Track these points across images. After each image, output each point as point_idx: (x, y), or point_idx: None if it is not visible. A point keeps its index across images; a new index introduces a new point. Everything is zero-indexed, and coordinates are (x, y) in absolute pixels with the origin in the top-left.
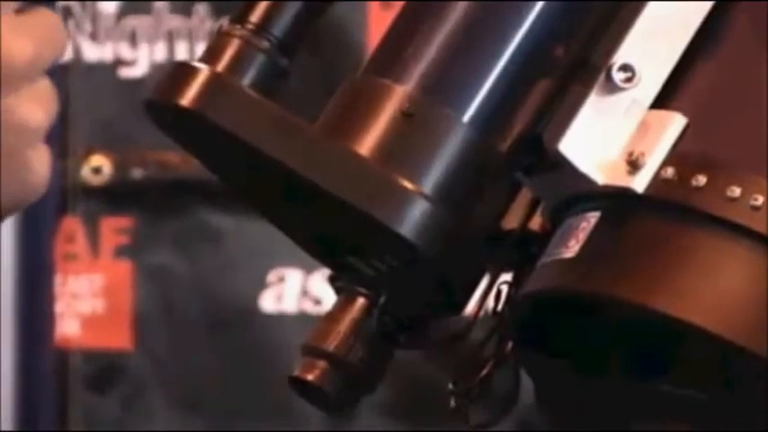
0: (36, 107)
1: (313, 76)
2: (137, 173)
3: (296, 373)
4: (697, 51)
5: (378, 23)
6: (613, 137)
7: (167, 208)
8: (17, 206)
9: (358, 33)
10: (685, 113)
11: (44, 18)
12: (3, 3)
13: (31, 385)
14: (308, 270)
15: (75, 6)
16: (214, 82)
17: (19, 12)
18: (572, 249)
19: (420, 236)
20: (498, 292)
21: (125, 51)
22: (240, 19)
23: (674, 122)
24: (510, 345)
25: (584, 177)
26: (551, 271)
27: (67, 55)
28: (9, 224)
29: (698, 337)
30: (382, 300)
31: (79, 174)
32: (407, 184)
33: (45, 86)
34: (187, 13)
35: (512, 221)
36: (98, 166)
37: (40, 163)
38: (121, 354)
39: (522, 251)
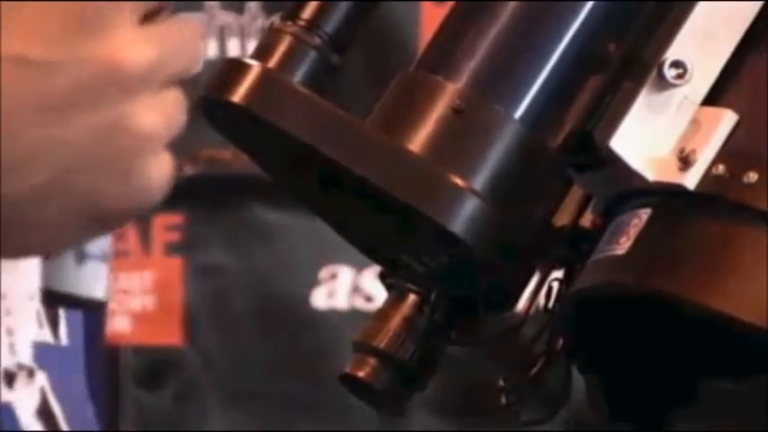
0: (154, 115)
1: (365, 72)
2: (188, 169)
3: (347, 369)
4: (748, 48)
5: (430, 20)
6: (665, 133)
7: (219, 205)
8: (130, 212)
9: (410, 30)
10: (736, 110)
11: (176, 26)
12: (128, 3)
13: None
14: (360, 267)
15: None
16: (265, 78)
17: (149, 17)
18: (623, 246)
19: (471, 233)
20: (549, 289)
21: None
22: (291, 16)
23: (726, 119)
24: (561, 341)
25: (635, 174)
26: (602, 268)
27: None
28: None
29: (748, 335)
30: (433, 296)
31: None
32: (458, 181)
33: (170, 96)
34: (239, 9)
35: (563, 218)
36: None
37: (156, 170)
38: (172, 350)
39: (573, 248)
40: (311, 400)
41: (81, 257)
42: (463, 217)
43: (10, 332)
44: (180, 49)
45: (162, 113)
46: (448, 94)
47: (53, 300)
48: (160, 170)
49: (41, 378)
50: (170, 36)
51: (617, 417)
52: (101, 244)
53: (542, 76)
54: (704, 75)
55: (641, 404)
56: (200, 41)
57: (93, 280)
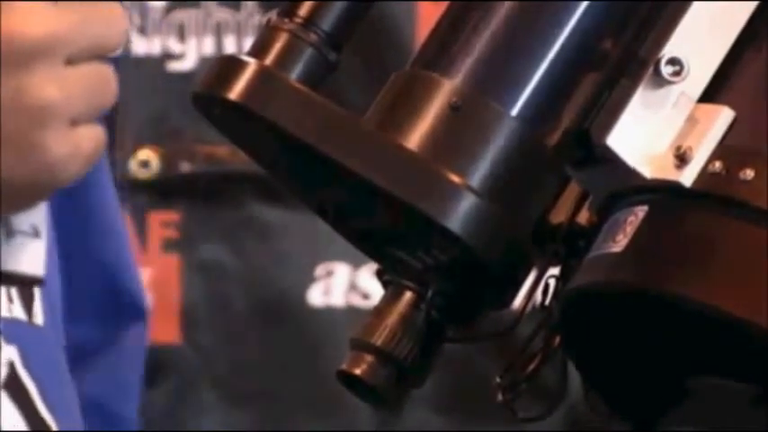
0: (52, 88)
1: (362, 70)
2: (185, 166)
3: (343, 366)
4: (745, 45)
5: (427, 18)
6: (661, 131)
7: (215, 202)
8: (34, 188)
9: (407, 27)
10: (733, 107)
11: (91, 4)
12: None
13: None
14: (356, 264)
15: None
16: (262, 75)
17: None
18: (620, 243)
19: (467, 229)
20: (546, 286)
21: (173, 45)
22: (288, 13)
23: (722, 116)
24: (558, 339)
25: (631, 171)
26: (599, 265)
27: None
28: None
29: (745, 332)
30: (430, 294)
31: (127, 168)
32: (455, 178)
33: (78, 71)
34: (235, 6)
35: (559, 215)
36: (146, 160)
37: (57, 146)
38: (170, 348)
39: (570, 245)
40: (308, 398)
41: (9, 233)
42: (460, 214)
43: None
44: (90, 26)
45: (62, 87)
46: (445, 91)
47: None
48: (61, 146)
49: (10, 351)
50: (80, 12)
51: (614, 415)
52: (30, 219)
53: (539, 74)
54: (701, 72)
55: (639, 403)
56: (121, 21)
57: (21, 255)
